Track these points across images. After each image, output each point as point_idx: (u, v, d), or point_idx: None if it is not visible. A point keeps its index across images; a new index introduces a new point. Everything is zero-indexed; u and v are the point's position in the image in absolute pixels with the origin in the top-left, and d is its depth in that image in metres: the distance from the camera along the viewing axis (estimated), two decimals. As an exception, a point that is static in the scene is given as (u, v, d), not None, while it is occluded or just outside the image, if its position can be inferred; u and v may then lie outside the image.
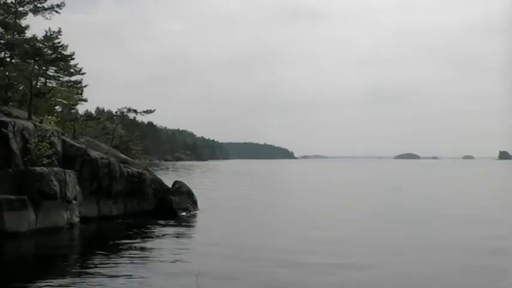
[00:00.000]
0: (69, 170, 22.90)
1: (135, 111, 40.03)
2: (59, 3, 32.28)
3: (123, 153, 30.95)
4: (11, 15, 30.91)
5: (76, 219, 22.63)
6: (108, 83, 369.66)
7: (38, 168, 21.32)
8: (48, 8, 31.89)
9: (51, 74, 36.01)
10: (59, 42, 33.77)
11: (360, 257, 17.08)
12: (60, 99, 35.71)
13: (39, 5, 31.64)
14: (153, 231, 22.38)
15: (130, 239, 20.27)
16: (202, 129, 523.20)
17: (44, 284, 13.21)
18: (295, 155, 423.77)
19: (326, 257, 17.07)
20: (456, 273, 14.94)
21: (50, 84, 35.86)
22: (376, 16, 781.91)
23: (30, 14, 31.83)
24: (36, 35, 31.93)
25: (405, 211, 31.06)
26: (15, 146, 22.15)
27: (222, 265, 15.77)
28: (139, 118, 65.17)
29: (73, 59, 35.56)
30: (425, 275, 14.65)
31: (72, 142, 26.18)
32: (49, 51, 32.64)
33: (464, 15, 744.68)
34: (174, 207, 27.45)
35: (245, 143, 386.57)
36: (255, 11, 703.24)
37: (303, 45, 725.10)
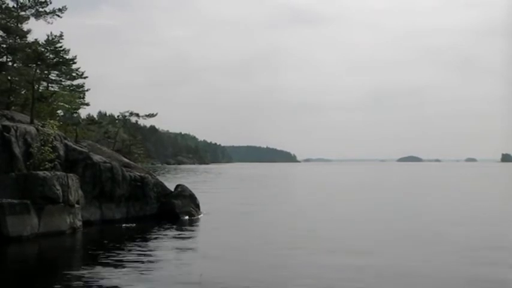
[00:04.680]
0: (71, 174, 22.84)
1: (137, 115, 39.92)
2: (60, 7, 32.29)
3: (125, 157, 30.87)
4: (12, 19, 30.88)
5: (79, 223, 22.58)
6: (110, 87, 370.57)
7: (40, 173, 21.28)
8: (50, 12, 31.86)
9: (53, 78, 36.06)
10: (61, 46, 33.79)
11: (355, 254, 17.01)
12: (62, 103, 35.73)
13: (41, 9, 31.59)
14: (156, 235, 22.32)
15: (133, 243, 20.18)
16: (204, 133, 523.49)
17: (46, 288, 13.17)
18: (298, 158, 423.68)
19: (331, 259, 16.99)
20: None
21: (52, 89, 35.93)
22: (377, 19, 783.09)
23: (32, 19, 31.81)
24: (38, 39, 31.98)
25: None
26: (17, 150, 22.15)
27: (225, 269, 15.71)
28: (142, 122, 65.13)
29: (75, 63, 35.60)
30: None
31: (74, 146, 26.15)
32: (51, 56, 32.65)
33: (465, 19, 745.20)
34: (176, 211, 27.36)
35: (247, 146, 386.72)
36: (256, 15, 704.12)
37: (305, 48, 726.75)
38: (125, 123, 42.26)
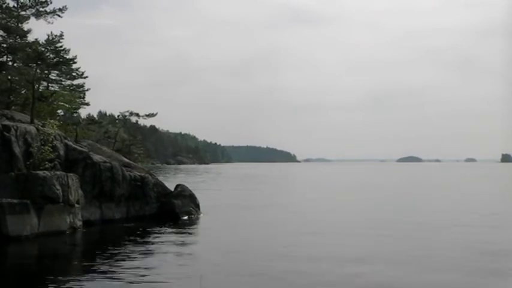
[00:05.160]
0: (71, 174, 22.84)
1: (137, 114, 39.97)
2: (61, 7, 32.35)
3: (125, 157, 30.89)
4: (13, 19, 30.91)
5: (78, 223, 22.58)
6: (110, 87, 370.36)
7: (40, 172, 21.27)
8: (51, 12, 31.89)
9: (53, 77, 36.10)
10: (61, 46, 33.83)
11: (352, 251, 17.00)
12: (62, 103, 35.76)
13: (41, 9, 31.62)
14: (156, 235, 22.31)
15: (133, 242, 20.20)
16: (204, 133, 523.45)
17: (46, 288, 13.17)
18: (298, 158, 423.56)
19: (331, 260, 17.00)
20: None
21: (52, 88, 35.95)
22: (377, 19, 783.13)
23: (32, 18, 31.83)
24: (39, 39, 32.01)
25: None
26: (17, 150, 22.15)
27: (225, 269, 15.70)
28: (142, 122, 65.17)
29: (75, 62, 35.62)
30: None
31: (74, 146, 26.15)
32: (51, 55, 32.67)
33: (465, 19, 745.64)
34: (176, 211, 27.36)
35: (247, 146, 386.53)
36: (256, 15, 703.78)
37: (305, 48, 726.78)
38: (125, 123, 42.28)
